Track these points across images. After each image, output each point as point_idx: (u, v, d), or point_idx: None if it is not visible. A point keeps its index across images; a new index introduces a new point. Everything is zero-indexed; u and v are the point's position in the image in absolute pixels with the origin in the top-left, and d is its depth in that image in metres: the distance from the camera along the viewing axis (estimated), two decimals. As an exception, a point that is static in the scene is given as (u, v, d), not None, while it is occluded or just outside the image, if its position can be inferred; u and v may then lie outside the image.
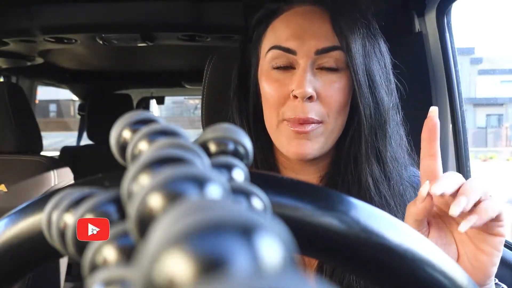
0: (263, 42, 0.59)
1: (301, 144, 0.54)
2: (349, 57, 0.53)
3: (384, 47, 0.58)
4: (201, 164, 0.15)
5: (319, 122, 0.54)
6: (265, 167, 0.61)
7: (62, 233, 0.16)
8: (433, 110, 0.44)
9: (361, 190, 0.55)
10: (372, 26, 0.57)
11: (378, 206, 0.52)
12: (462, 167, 0.93)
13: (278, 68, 0.56)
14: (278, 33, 0.56)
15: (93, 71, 2.31)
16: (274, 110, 0.56)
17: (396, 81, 0.60)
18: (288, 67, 0.55)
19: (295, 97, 0.53)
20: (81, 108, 2.66)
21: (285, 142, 0.55)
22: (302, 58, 0.54)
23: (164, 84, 2.64)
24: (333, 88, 0.54)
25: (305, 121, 0.53)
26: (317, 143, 0.55)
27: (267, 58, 0.57)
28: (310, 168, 0.60)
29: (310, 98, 0.53)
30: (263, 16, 0.60)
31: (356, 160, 0.56)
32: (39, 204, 0.20)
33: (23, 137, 1.24)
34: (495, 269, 0.42)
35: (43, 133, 1.40)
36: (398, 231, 0.21)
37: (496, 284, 0.45)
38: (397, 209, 0.54)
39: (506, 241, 0.80)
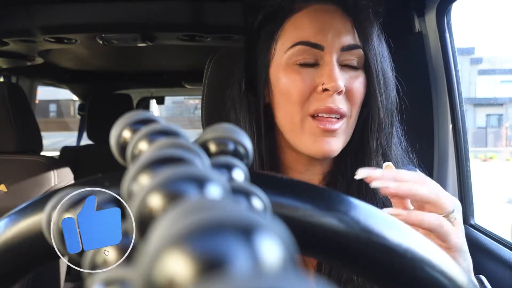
0: (281, 38, 0.57)
1: (328, 142, 0.54)
2: (370, 56, 0.55)
3: (385, 46, 0.59)
4: (201, 164, 0.15)
5: (344, 115, 0.55)
6: (270, 167, 0.60)
7: (62, 233, 0.16)
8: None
9: (360, 188, 0.55)
10: (379, 27, 0.58)
11: (378, 206, 0.53)
12: (462, 167, 0.93)
13: (302, 64, 0.55)
14: (303, 29, 0.55)
15: (93, 71, 2.31)
16: (297, 105, 0.55)
17: (395, 81, 0.60)
18: (313, 64, 0.55)
19: (324, 90, 0.53)
20: (81, 108, 2.66)
21: (309, 141, 0.55)
22: (329, 53, 0.54)
23: (164, 84, 2.64)
24: (354, 84, 0.55)
25: (336, 112, 0.53)
26: (341, 140, 0.55)
27: (288, 54, 0.56)
28: (315, 168, 0.60)
29: (340, 92, 0.53)
30: (274, 13, 0.59)
31: (363, 158, 0.57)
32: (39, 204, 0.20)
33: (23, 137, 1.24)
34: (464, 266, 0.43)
35: (43, 133, 1.40)
36: (398, 231, 0.21)
37: (476, 276, 0.45)
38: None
39: (506, 241, 0.80)
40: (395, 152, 0.58)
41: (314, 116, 0.54)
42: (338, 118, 0.54)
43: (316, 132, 0.54)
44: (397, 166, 0.57)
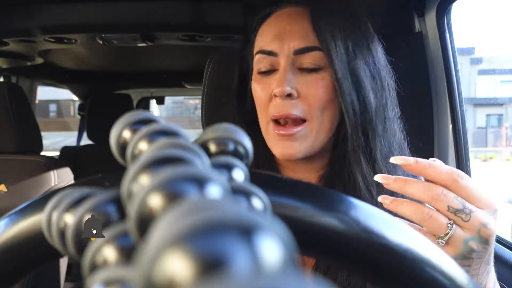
0: (254, 45, 0.61)
1: (286, 146, 0.55)
2: (328, 57, 0.54)
3: (375, 45, 0.58)
4: (201, 164, 0.15)
5: (302, 121, 0.55)
6: (267, 167, 0.62)
7: (62, 233, 0.16)
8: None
9: (355, 189, 0.55)
10: (363, 24, 0.57)
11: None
12: (462, 167, 0.93)
13: (262, 73, 0.58)
14: (263, 37, 0.58)
15: (93, 71, 2.31)
16: (262, 111, 0.58)
17: (396, 79, 0.60)
18: (271, 71, 0.57)
19: (275, 95, 0.55)
20: (81, 108, 2.66)
21: (272, 144, 0.57)
22: (283, 59, 0.56)
23: (164, 84, 2.64)
24: (315, 87, 0.55)
25: (286, 117, 0.55)
26: (303, 144, 0.56)
27: (254, 62, 0.59)
28: (307, 167, 0.61)
29: (290, 96, 0.54)
30: (258, 20, 0.61)
31: (348, 160, 0.56)
32: (39, 204, 0.20)
33: (23, 137, 1.24)
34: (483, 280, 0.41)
35: (43, 133, 1.40)
36: (398, 231, 0.21)
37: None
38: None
39: (506, 241, 0.80)
40: (381, 151, 0.56)
41: (275, 121, 0.56)
42: (296, 122, 0.55)
43: (275, 136, 0.56)
44: (388, 165, 0.56)
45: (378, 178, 0.43)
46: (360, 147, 0.55)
